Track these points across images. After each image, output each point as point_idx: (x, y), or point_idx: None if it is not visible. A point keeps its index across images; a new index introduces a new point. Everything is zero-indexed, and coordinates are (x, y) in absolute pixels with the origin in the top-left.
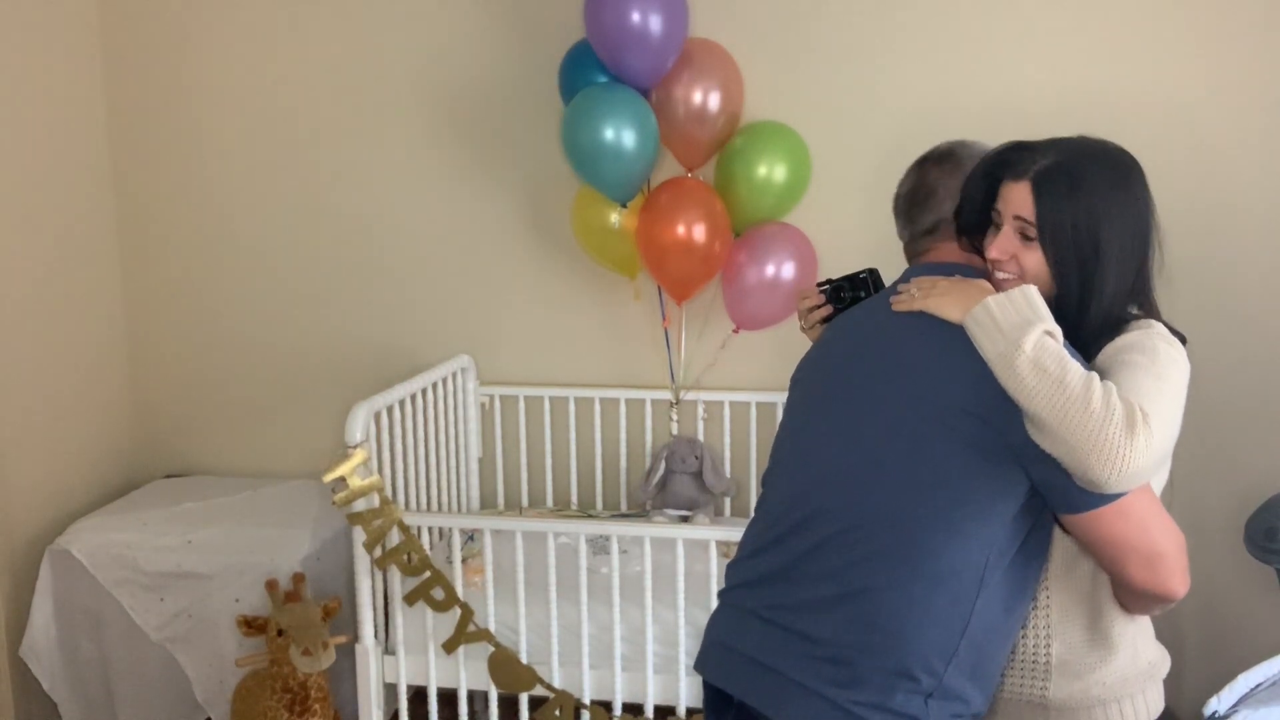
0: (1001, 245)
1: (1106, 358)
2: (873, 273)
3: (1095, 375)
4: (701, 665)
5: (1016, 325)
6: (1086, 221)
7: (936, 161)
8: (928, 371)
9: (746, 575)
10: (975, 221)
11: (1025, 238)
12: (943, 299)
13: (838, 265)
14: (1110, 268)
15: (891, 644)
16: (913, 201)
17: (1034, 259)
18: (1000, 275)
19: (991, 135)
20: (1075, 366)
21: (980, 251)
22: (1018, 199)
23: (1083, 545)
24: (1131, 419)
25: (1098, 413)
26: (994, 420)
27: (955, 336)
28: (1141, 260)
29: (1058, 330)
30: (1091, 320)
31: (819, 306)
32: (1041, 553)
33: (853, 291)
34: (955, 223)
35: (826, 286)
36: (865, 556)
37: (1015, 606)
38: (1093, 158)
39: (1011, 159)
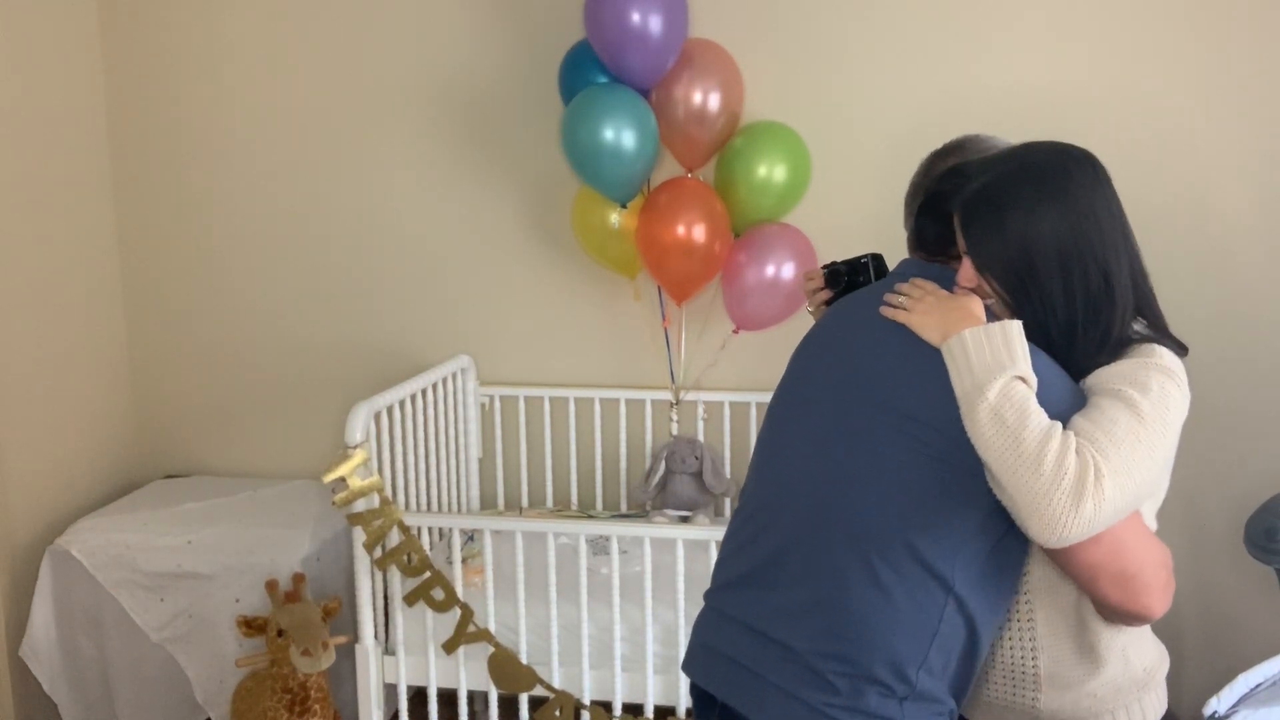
0: (965, 275)
1: (1099, 381)
2: (876, 258)
3: (1056, 429)
4: (688, 666)
5: (986, 367)
6: (1018, 243)
7: (944, 155)
8: (893, 378)
9: (727, 576)
10: (936, 248)
11: (976, 269)
12: (926, 318)
13: None
14: (1054, 285)
15: (861, 654)
16: (914, 194)
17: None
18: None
19: (993, 134)
20: (1035, 420)
21: (940, 257)
22: (957, 231)
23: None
24: (1081, 485)
25: (1047, 476)
26: (953, 433)
27: (925, 346)
28: (1106, 262)
29: (1032, 377)
30: (1063, 341)
31: (821, 289)
32: (1016, 560)
33: (851, 276)
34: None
35: (827, 269)
36: (827, 563)
37: (988, 614)
38: (1021, 173)
39: (945, 189)
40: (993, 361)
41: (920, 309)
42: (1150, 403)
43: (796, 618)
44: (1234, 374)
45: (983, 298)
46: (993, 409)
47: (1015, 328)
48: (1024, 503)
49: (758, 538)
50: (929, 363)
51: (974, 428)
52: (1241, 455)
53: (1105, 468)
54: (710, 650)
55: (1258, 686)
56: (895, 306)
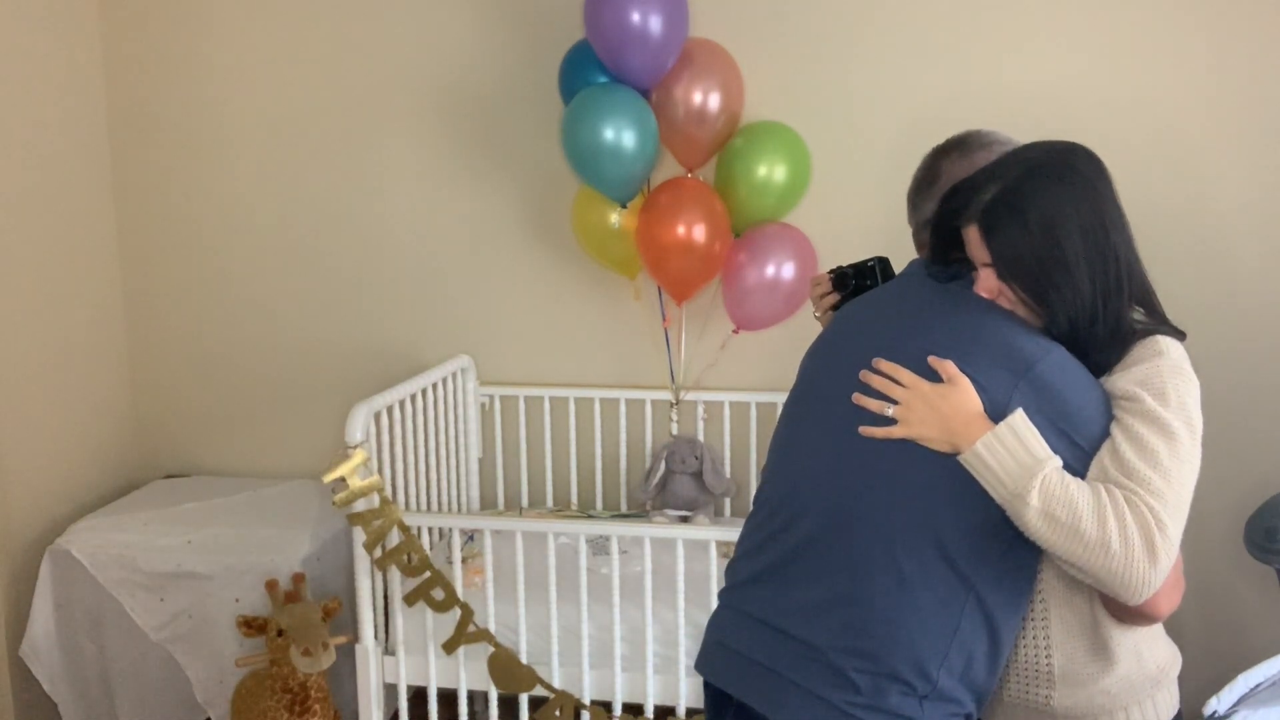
0: (986, 286)
1: (1117, 387)
2: (881, 261)
3: (1104, 500)
4: (702, 665)
5: (1013, 474)
6: (1043, 240)
7: (946, 150)
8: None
9: (742, 575)
10: (949, 263)
11: (1000, 276)
12: (926, 429)
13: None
14: (1081, 273)
15: (883, 650)
16: (918, 189)
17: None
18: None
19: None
20: (1084, 503)
21: (952, 262)
22: (975, 244)
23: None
24: (1151, 545)
25: (1118, 553)
26: None
27: (944, 346)
28: (1118, 249)
29: (1057, 460)
30: (1083, 335)
31: (828, 293)
32: (1032, 558)
33: (858, 280)
34: (931, 258)
35: (834, 274)
36: (851, 559)
37: (1008, 611)
38: (1031, 171)
39: (956, 206)
40: (1017, 467)
41: (914, 419)
42: (1172, 413)
43: (818, 614)
44: (1233, 374)
45: (1005, 305)
46: (1041, 512)
47: (1020, 421)
48: (1106, 581)
49: (778, 535)
50: (950, 358)
51: (1027, 529)
52: (1241, 455)
53: (1163, 512)
54: (726, 648)
55: (1258, 686)
56: (879, 407)
